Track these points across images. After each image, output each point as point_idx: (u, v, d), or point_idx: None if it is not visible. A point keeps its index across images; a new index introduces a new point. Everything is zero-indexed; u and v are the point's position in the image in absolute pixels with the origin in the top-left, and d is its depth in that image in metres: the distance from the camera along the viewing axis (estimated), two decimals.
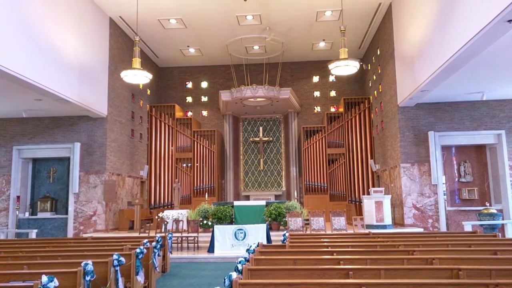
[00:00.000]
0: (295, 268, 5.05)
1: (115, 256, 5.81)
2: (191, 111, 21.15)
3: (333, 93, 20.76)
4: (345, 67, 11.56)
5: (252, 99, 18.00)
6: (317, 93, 20.85)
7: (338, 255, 6.07)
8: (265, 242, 10.41)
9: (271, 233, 12.03)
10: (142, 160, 18.16)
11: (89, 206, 14.35)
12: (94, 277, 5.19)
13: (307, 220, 12.77)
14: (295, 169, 20.00)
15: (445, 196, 13.38)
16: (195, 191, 18.84)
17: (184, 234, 12.65)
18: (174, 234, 11.94)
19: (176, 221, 13.03)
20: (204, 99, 21.28)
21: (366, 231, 11.44)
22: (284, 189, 20.40)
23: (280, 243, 8.73)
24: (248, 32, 17.03)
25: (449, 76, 10.84)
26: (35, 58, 10.65)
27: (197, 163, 19.06)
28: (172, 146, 19.18)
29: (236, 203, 14.49)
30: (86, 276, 5.06)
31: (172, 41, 17.97)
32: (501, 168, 13.66)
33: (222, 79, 21.08)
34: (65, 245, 8.42)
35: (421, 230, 12.74)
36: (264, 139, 20.62)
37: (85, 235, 13.21)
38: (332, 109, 20.46)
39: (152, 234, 11.92)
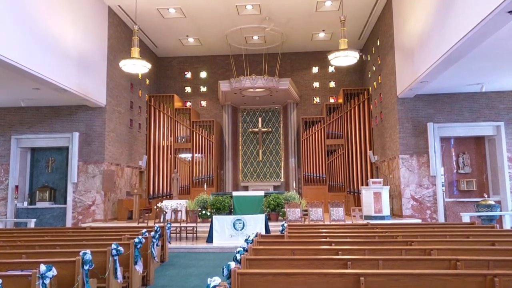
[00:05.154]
0: (293, 258, 5.06)
1: (113, 246, 5.82)
2: (190, 102, 21.08)
3: (332, 84, 20.70)
4: (344, 58, 11.53)
5: (251, 90, 17.93)
6: (316, 84, 20.78)
7: (337, 245, 6.08)
8: (263, 233, 10.46)
9: (270, 224, 12.07)
10: (141, 150, 18.13)
11: (87, 196, 14.36)
12: (93, 266, 5.20)
13: (306, 210, 12.81)
14: (294, 160, 20.01)
15: (444, 188, 13.42)
16: (194, 181, 18.86)
17: (183, 224, 12.68)
18: (173, 224, 11.96)
19: (175, 211, 13.07)
20: (203, 89, 21.20)
21: (365, 222, 11.49)
22: (282, 179, 20.42)
23: (279, 233, 8.75)
24: (248, 22, 16.90)
25: (448, 67, 10.80)
26: (33, 47, 10.56)
27: (196, 153, 19.05)
28: (171, 136, 19.15)
29: (234, 193, 14.51)
30: (84, 265, 5.07)
31: (171, 31, 17.84)
32: (500, 160, 13.68)
33: (221, 69, 20.98)
34: (64, 234, 8.44)
35: (419, 221, 12.79)
36: (263, 129, 20.60)
37: (83, 225, 13.25)
38: (332, 100, 20.42)
39: (150, 224, 11.97)
